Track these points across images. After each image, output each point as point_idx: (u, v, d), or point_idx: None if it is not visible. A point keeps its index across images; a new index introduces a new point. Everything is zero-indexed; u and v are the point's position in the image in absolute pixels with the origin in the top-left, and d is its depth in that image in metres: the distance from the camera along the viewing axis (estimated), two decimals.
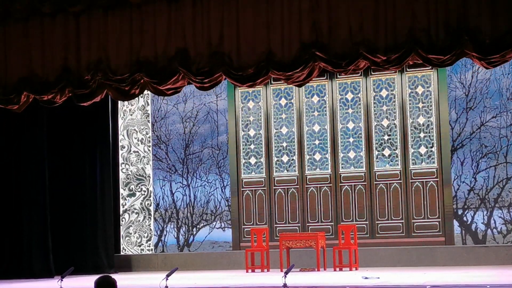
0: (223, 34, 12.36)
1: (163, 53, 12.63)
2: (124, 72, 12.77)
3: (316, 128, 15.11)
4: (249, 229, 14.74)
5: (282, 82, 15.06)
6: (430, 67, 14.34)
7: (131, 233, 15.91)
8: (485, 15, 11.17)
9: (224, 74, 12.34)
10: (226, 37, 12.34)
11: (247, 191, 15.40)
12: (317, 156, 15.06)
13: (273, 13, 12.15)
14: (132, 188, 16.01)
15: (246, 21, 12.28)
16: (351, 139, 14.89)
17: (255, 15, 12.26)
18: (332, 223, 14.79)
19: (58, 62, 13.20)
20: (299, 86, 12.28)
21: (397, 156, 14.59)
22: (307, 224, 14.97)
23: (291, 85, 15.10)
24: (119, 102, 16.06)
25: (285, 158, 15.24)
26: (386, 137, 14.69)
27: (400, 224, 14.46)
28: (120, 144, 16.07)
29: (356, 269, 13.28)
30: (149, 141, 16.06)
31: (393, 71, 14.56)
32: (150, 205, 15.93)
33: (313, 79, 14.80)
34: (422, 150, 14.44)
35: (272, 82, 15.30)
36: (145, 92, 15.83)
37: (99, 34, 13.06)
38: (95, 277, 6.97)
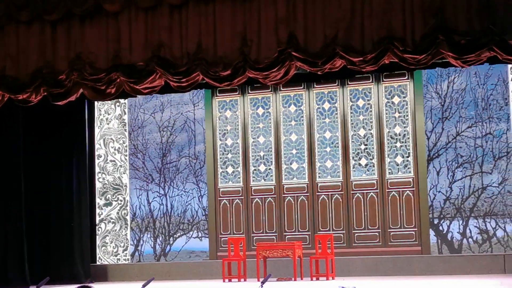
0: (200, 37, 12.39)
1: (140, 57, 12.64)
2: (100, 72, 12.77)
3: (293, 137, 15.14)
4: (226, 238, 14.72)
5: (259, 91, 15.20)
6: (407, 77, 14.48)
7: (107, 243, 15.84)
8: (461, 15, 11.30)
9: (201, 74, 12.37)
10: (204, 39, 12.37)
11: (224, 200, 15.39)
12: (294, 166, 15.08)
13: (251, 17, 12.22)
14: (108, 197, 15.94)
15: (223, 26, 12.34)
16: (328, 149, 14.94)
17: (233, 19, 12.31)
18: (309, 233, 14.81)
19: (34, 65, 13.16)
20: (276, 85, 12.36)
21: (373, 166, 14.64)
22: (284, 234, 14.98)
23: (268, 94, 15.19)
24: (96, 111, 16.01)
25: (262, 168, 15.25)
26: (362, 147, 14.74)
27: (377, 234, 14.50)
28: (96, 153, 16.00)
29: (332, 279, 13.29)
30: (126, 150, 16.01)
31: (369, 81, 14.67)
32: (127, 215, 15.87)
33: (290, 88, 14.99)
34: (399, 159, 14.51)
35: (249, 91, 15.33)
36: (122, 101, 15.89)
37: (76, 42, 13.04)
38: (71, 287, 6.92)
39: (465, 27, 11.24)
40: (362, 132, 14.76)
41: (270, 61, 12.02)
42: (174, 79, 12.50)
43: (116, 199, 15.91)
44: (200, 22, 12.44)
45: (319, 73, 12.11)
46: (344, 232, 14.66)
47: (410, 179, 14.40)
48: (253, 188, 15.25)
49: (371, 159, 14.66)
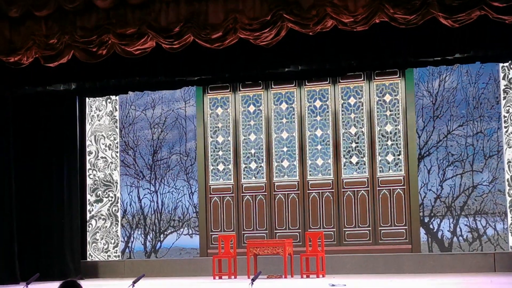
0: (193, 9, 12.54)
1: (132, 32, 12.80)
2: (91, 35, 12.85)
3: (285, 135, 15.14)
4: (217, 235, 14.71)
5: (250, 88, 15.21)
6: (398, 75, 14.49)
7: (98, 239, 15.81)
8: None
9: (193, 36, 12.46)
10: (195, 11, 12.50)
11: (215, 197, 15.38)
12: (285, 163, 15.07)
13: None
14: (99, 194, 15.91)
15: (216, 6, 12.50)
16: (319, 147, 14.94)
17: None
18: (300, 230, 14.82)
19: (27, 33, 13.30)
20: (267, 46, 12.34)
21: (364, 164, 14.65)
22: (275, 231, 14.98)
23: (259, 92, 15.18)
24: (87, 107, 15.98)
25: (253, 165, 15.24)
26: (353, 145, 14.75)
27: (367, 232, 14.51)
28: (87, 149, 15.98)
29: (323, 276, 13.31)
30: (117, 147, 15.98)
31: (361, 79, 14.68)
32: (117, 211, 15.85)
33: (282, 86, 15.01)
34: (390, 158, 14.52)
35: (240, 88, 15.32)
36: (113, 97, 15.86)
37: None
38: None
39: None
40: (353, 130, 14.76)
41: (261, 21, 12.11)
42: (166, 42, 12.59)
43: (106, 195, 15.89)
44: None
45: (310, 33, 12.11)
46: (334, 230, 14.66)
47: (401, 177, 14.41)
48: (244, 185, 15.24)
49: (362, 157, 14.67)
